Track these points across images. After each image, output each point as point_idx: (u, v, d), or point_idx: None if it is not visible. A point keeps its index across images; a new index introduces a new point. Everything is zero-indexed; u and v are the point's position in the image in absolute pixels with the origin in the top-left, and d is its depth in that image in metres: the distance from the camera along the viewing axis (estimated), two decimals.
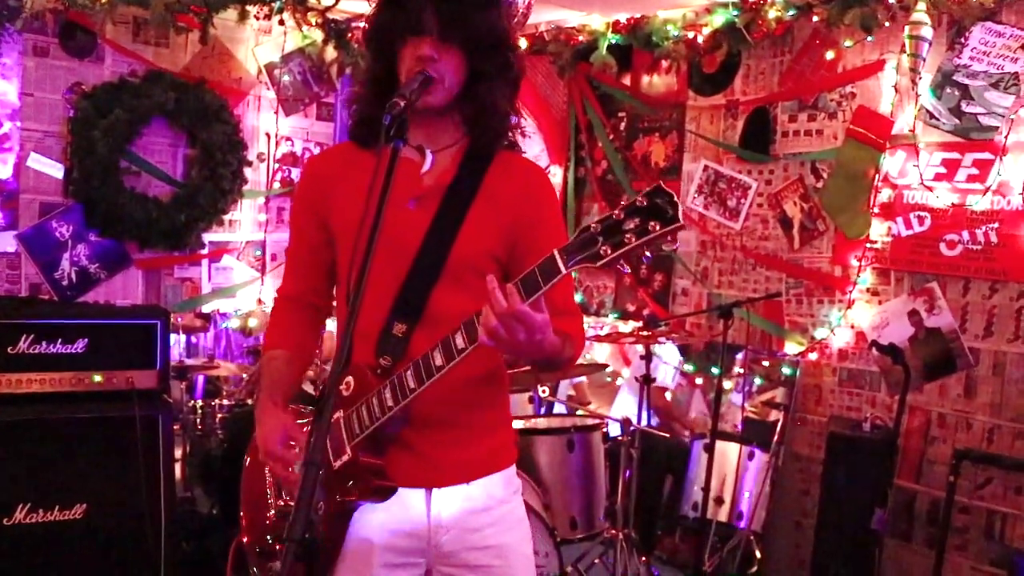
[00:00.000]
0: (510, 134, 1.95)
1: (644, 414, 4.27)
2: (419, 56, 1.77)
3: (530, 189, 1.94)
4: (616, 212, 1.52)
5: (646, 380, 4.26)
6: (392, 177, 1.62)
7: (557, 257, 1.55)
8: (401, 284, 1.84)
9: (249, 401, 4.82)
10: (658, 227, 1.48)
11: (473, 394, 1.89)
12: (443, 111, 1.86)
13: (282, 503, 2.02)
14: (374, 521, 1.86)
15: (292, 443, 1.83)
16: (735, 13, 4.69)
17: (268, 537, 2.03)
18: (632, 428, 3.98)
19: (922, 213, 4.28)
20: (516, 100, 1.94)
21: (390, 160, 1.63)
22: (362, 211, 1.61)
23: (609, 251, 1.51)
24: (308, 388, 4.43)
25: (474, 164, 1.90)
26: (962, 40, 4.13)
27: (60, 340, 3.39)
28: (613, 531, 3.92)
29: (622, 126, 5.66)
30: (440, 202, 1.86)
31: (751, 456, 4.27)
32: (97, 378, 3.45)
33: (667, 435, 4.34)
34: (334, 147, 2.21)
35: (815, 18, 4.43)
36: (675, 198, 1.50)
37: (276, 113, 5.41)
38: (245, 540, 2.12)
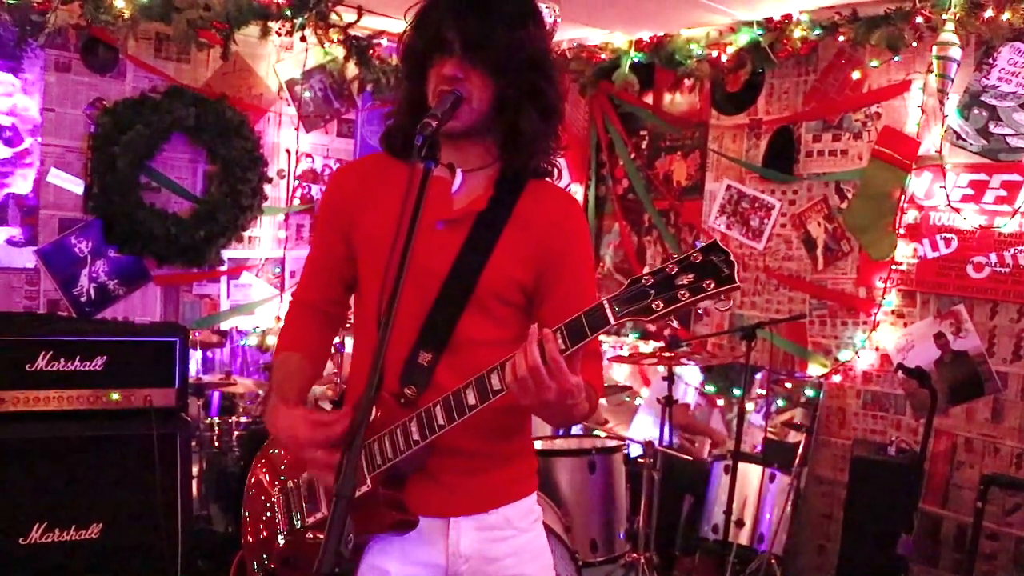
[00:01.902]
0: (545, 162, 1.91)
1: (666, 435, 4.21)
2: (443, 76, 1.74)
3: (562, 220, 1.89)
4: (669, 266, 1.50)
5: (668, 401, 4.22)
6: (423, 202, 1.59)
7: (607, 308, 1.52)
8: (428, 311, 1.80)
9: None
10: (713, 285, 1.47)
11: (498, 424, 1.84)
12: (473, 132, 1.83)
13: (288, 524, 1.97)
14: (392, 551, 1.82)
15: (320, 425, 1.76)
16: (759, 32, 4.66)
17: (266, 557, 1.99)
18: (654, 450, 3.93)
19: (949, 235, 4.23)
20: (555, 128, 1.89)
21: (420, 185, 1.59)
22: (389, 229, 1.58)
23: (662, 306, 1.50)
24: (326, 406, 4.40)
25: (506, 189, 1.86)
26: (990, 60, 4.08)
27: (78, 357, 3.39)
28: (635, 554, 3.87)
29: (644, 144, 5.63)
30: (471, 228, 1.82)
31: (772, 478, 4.21)
32: (115, 396, 3.44)
33: (689, 457, 4.29)
34: (364, 158, 2.17)
35: (841, 37, 4.41)
36: (731, 256, 1.48)
37: (297, 130, 5.40)
38: (247, 559, 2.07)
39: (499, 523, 1.87)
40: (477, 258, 1.80)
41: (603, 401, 5.18)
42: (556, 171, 1.94)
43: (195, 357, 4.89)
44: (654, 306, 1.49)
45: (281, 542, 1.97)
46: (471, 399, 1.64)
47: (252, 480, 2.10)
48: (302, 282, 2.06)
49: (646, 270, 1.56)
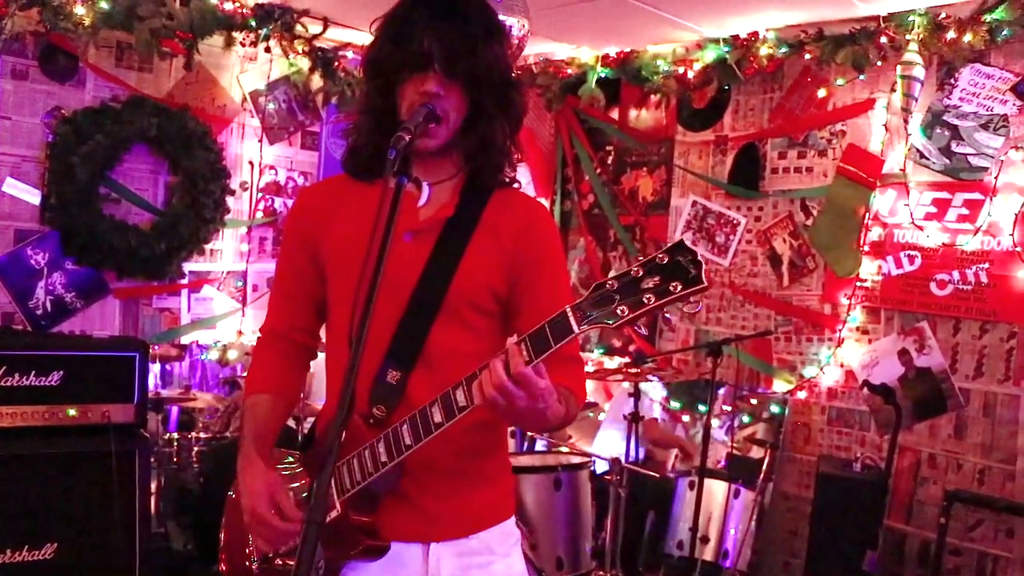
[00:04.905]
0: (509, 170, 1.89)
1: (631, 451, 4.20)
2: (424, 92, 1.71)
3: (531, 226, 1.86)
4: (634, 268, 1.45)
5: (634, 418, 4.20)
6: (395, 216, 1.55)
7: (570, 316, 1.47)
8: (398, 323, 1.76)
9: (227, 433, 4.72)
10: (680, 287, 1.41)
11: (472, 441, 1.80)
12: (444, 148, 1.80)
13: (260, 552, 1.92)
14: None
15: (276, 509, 1.72)
16: (726, 49, 4.69)
17: None
18: (620, 467, 3.91)
19: (912, 252, 4.27)
20: (515, 135, 1.88)
21: (393, 199, 1.56)
22: (357, 246, 1.54)
23: (627, 311, 1.43)
24: (291, 423, 4.32)
25: (473, 198, 1.83)
26: (952, 81, 4.14)
27: (34, 372, 3.28)
28: (601, 572, 3.85)
29: (610, 160, 5.64)
30: (438, 236, 1.79)
31: (737, 494, 4.21)
32: (72, 412, 3.34)
33: (656, 474, 4.27)
34: (327, 179, 2.14)
35: (807, 56, 4.44)
36: (699, 256, 1.42)
37: (260, 141, 5.34)
38: None
39: (478, 548, 1.82)
40: (446, 265, 1.77)
41: None
42: (516, 181, 1.92)
43: (153, 371, 4.80)
44: (619, 311, 1.43)
45: (254, 570, 1.91)
46: (437, 417, 1.59)
47: (230, 502, 2.03)
48: (270, 311, 2.00)
49: (612, 273, 1.47)
